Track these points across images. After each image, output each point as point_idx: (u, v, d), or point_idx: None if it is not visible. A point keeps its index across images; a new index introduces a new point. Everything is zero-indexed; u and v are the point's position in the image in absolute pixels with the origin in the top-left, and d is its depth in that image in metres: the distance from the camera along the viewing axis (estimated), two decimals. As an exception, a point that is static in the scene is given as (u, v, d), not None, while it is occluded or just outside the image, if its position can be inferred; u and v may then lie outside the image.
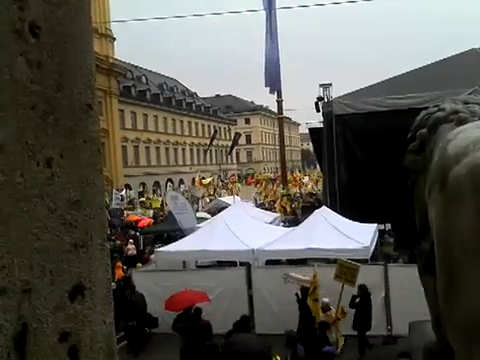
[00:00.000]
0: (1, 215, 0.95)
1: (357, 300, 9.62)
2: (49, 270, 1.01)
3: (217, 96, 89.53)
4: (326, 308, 9.61)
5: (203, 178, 35.06)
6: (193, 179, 34.48)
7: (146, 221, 24.01)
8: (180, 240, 13.67)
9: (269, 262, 12.25)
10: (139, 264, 14.17)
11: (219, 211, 19.31)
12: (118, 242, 18.63)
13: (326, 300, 9.63)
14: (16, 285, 0.96)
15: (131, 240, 18.82)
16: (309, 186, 41.16)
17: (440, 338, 2.74)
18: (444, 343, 2.20)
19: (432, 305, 2.72)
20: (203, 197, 30.53)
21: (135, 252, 17.71)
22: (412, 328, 3.98)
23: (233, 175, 49.14)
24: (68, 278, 1.04)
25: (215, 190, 35.52)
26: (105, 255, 1.13)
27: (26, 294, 0.97)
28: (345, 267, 9.36)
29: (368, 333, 9.71)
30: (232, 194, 28.04)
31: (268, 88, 29.92)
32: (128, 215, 26.24)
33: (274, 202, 28.55)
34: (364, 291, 9.64)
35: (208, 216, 22.10)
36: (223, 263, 12.72)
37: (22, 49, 0.98)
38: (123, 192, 29.33)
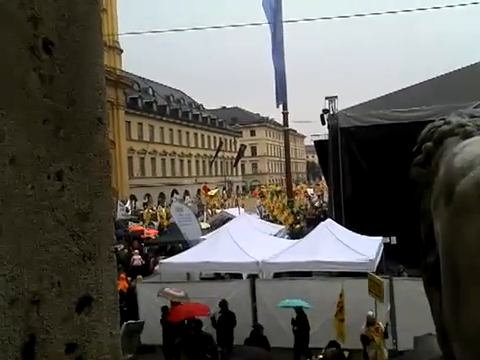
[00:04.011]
0: (12, 227, 0.96)
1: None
2: (57, 281, 1.02)
3: (223, 108, 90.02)
4: (370, 321, 9.20)
5: (208, 190, 35.03)
6: (199, 190, 34.47)
7: (151, 232, 24.04)
8: (185, 252, 13.66)
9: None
10: (140, 276, 14.15)
11: (224, 223, 19.32)
12: (126, 250, 18.71)
13: (371, 313, 9.24)
14: (25, 296, 0.97)
15: (136, 250, 18.83)
16: (315, 198, 41.06)
17: (446, 353, 2.71)
18: (450, 358, 2.17)
19: (438, 319, 2.70)
20: (207, 208, 30.52)
21: (140, 263, 17.70)
22: (417, 342, 3.95)
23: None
24: (76, 290, 1.05)
25: (220, 202, 35.50)
26: (112, 267, 1.14)
27: (34, 305, 0.98)
28: (373, 282, 9.08)
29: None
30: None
31: (274, 100, 30.09)
32: (132, 227, 26.28)
33: (279, 214, 28.48)
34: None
35: (207, 225, 22.23)
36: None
37: (35, 64, 1.01)
38: (128, 204, 29.35)
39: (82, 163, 1.08)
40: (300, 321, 9.85)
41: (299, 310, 9.88)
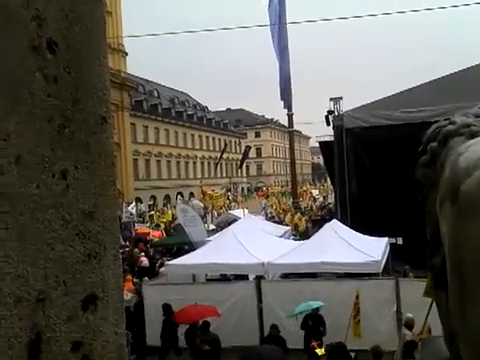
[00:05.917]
0: (17, 226, 0.97)
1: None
2: (63, 280, 1.03)
3: (228, 110, 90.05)
4: (410, 324, 8.60)
5: (204, 194, 34.36)
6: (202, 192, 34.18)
7: (156, 234, 24.09)
8: (190, 253, 13.67)
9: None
10: (146, 278, 14.17)
11: (229, 224, 19.31)
12: (136, 250, 18.82)
13: (410, 315, 8.84)
14: (31, 294, 0.97)
15: (142, 253, 18.89)
16: (320, 199, 40.99)
17: (453, 354, 2.69)
18: (457, 359, 2.16)
19: (444, 321, 2.68)
20: (211, 210, 30.44)
21: (148, 264, 17.74)
22: (424, 344, 3.93)
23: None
24: (81, 288, 1.06)
25: (224, 204, 35.41)
26: (118, 266, 1.15)
27: (40, 303, 0.99)
28: None
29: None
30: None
31: (279, 101, 30.12)
32: (137, 229, 26.32)
33: (285, 215, 28.49)
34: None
35: (212, 227, 22.29)
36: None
37: (40, 64, 1.01)
38: (131, 207, 29.22)
39: (87, 162, 1.08)
40: (319, 320, 9.72)
41: (315, 310, 9.72)
